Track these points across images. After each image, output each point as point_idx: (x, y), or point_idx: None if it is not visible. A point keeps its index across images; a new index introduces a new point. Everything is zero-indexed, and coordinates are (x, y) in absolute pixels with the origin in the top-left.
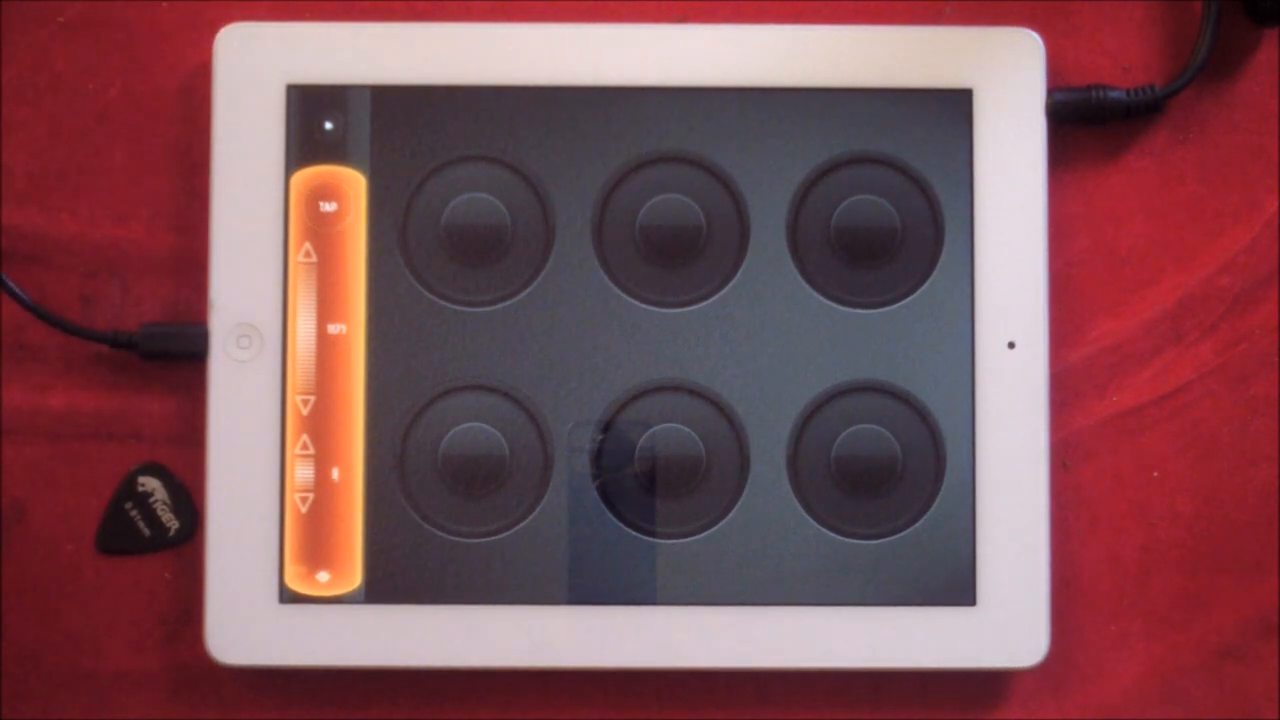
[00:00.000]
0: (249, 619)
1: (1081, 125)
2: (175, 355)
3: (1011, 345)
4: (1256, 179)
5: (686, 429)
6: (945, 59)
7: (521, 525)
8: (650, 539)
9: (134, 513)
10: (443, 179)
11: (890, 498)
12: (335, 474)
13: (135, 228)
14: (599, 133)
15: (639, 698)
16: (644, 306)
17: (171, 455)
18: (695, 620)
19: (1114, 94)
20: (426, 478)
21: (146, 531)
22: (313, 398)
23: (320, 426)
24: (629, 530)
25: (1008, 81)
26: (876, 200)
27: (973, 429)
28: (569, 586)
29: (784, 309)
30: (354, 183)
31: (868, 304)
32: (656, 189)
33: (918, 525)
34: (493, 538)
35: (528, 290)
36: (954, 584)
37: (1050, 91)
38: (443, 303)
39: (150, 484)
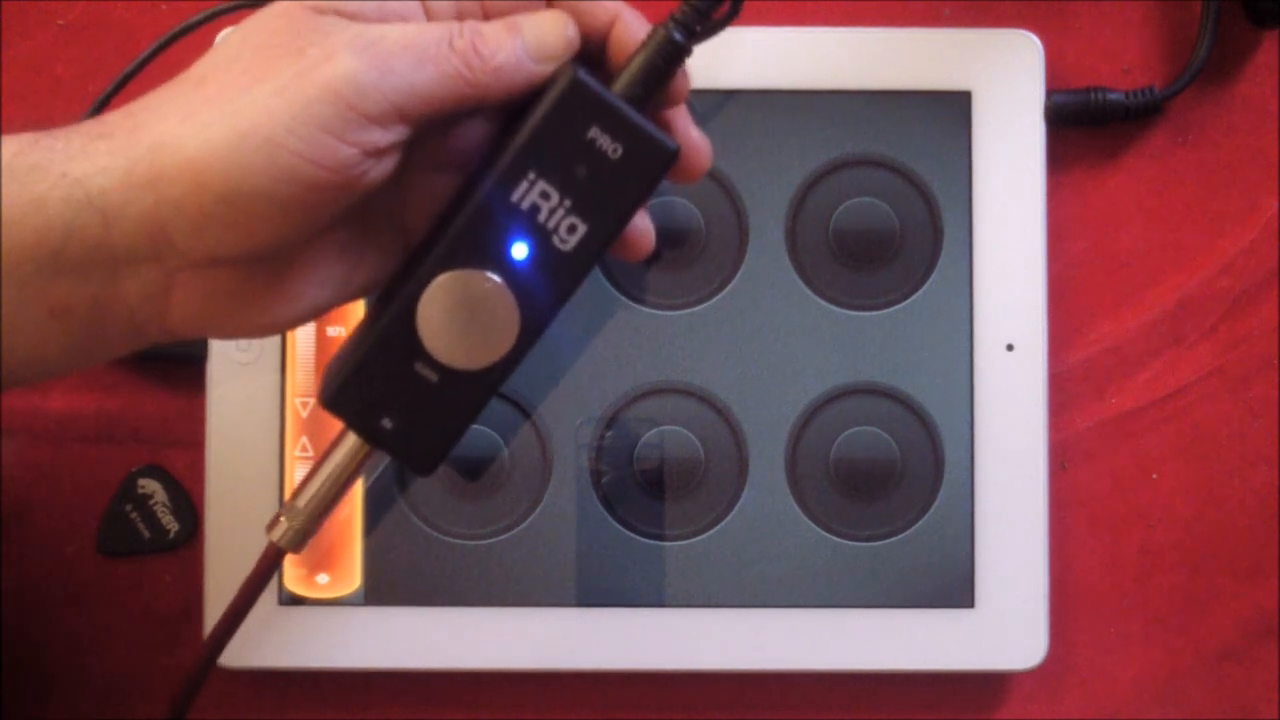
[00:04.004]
0: (249, 621)
1: (1081, 127)
2: (175, 358)
3: (1010, 347)
4: (1256, 181)
5: (685, 431)
6: (944, 61)
7: (519, 528)
8: (648, 541)
9: (134, 514)
10: None
11: (889, 500)
12: None
13: None
14: None
15: (635, 699)
16: (643, 309)
17: (171, 457)
18: (693, 622)
19: (1113, 96)
20: (424, 479)
21: (146, 533)
22: (312, 400)
23: (319, 429)
24: (626, 532)
25: (1007, 84)
26: (875, 203)
27: (971, 431)
28: (566, 588)
29: (783, 311)
30: None
31: (866, 306)
32: (656, 191)
33: (916, 527)
34: (490, 540)
35: None
36: (953, 586)
37: (1049, 93)
38: None
39: (150, 486)
